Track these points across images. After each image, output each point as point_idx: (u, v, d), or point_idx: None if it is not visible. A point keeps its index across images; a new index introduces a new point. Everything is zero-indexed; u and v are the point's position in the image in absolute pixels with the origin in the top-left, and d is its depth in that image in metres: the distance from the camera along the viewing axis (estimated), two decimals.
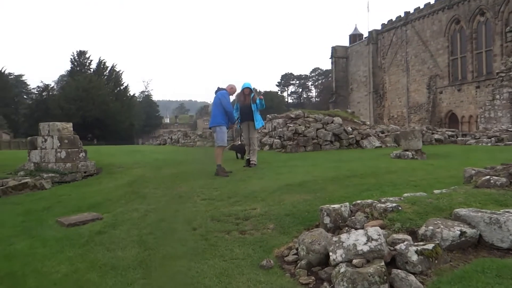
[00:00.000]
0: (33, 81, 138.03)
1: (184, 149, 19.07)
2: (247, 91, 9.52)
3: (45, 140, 10.35)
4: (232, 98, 9.30)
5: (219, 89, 9.07)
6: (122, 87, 73.81)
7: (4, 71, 75.05)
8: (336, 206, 4.45)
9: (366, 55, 54.16)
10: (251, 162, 9.47)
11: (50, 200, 7.87)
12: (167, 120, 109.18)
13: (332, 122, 14.11)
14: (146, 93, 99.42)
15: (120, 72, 75.98)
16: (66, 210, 6.95)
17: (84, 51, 74.53)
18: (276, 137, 14.12)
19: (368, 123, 17.11)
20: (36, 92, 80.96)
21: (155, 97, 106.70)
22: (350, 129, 14.00)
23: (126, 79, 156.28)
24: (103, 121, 62.22)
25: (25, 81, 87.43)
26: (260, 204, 5.76)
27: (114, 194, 7.84)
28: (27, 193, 9.00)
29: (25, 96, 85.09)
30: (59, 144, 10.19)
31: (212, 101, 9.26)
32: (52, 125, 10.28)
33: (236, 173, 8.69)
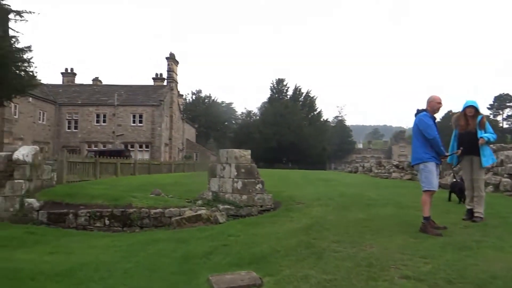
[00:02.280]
0: (241, 108, 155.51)
1: (377, 181, 16.61)
2: (471, 111, 6.76)
3: (224, 168, 9.64)
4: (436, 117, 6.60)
5: (418, 112, 6.52)
6: (315, 112, 75.39)
7: (216, 99, 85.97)
8: None
9: None
10: (475, 215, 6.61)
11: (216, 241, 6.79)
12: (360, 146, 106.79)
13: None
14: (340, 118, 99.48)
15: (314, 97, 77.92)
16: (225, 261, 5.67)
17: (282, 79, 79.28)
18: (505, 175, 10.47)
19: None
20: (241, 118, 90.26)
21: (348, 122, 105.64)
22: None
23: (319, 104, 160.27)
24: (297, 145, 64.09)
25: (234, 108, 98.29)
26: None
27: (285, 243, 6.24)
28: (199, 226, 8.27)
29: (233, 122, 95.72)
30: (236, 173, 9.32)
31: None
32: (230, 152, 9.51)
33: (452, 230, 6.03)
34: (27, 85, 18.48)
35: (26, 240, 6.96)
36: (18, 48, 16.13)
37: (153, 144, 39.89)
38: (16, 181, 9.12)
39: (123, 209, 9.01)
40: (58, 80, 48.67)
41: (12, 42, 17.00)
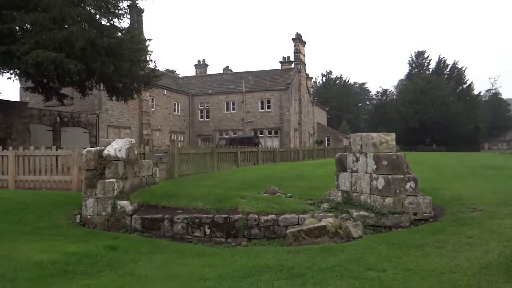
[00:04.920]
0: (375, 88, 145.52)
1: None
2: None
3: (357, 159, 6.97)
4: None
5: None
6: (464, 86, 65.86)
7: (348, 80, 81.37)
8: None
9: None
10: None
11: (346, 278, 4.26)
12: None
13: None
14: (493, 91, 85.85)
15: (463, 69, 68.03)
16: None
17: (422, 51, 71.02)
18: None
19: None
20: (375, 97, 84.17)
21: (505, 95, 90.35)
22: None
23: (469, 76, 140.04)
24: (443, 124, 56.65)
25: (367, 88, 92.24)
26: None
27: None
28: (323, 244, 5.82)
29: (367, 103, 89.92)
30: (374, 166, 6.57)
31: None
32: (366, 137, 6.77)
33: None
34: (150, 76, 18.19)
35: (98, 262, 5.40)
36: (133, 38, 15.57)
37: (282, 129, 38.44)
38: (107, 180, 7.84)
39: (226, 215, 7.06)
40: (192, 71, 50.72)
41: (135, 33, 16.72)
